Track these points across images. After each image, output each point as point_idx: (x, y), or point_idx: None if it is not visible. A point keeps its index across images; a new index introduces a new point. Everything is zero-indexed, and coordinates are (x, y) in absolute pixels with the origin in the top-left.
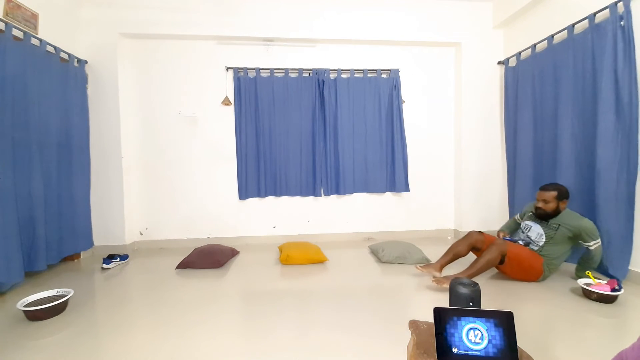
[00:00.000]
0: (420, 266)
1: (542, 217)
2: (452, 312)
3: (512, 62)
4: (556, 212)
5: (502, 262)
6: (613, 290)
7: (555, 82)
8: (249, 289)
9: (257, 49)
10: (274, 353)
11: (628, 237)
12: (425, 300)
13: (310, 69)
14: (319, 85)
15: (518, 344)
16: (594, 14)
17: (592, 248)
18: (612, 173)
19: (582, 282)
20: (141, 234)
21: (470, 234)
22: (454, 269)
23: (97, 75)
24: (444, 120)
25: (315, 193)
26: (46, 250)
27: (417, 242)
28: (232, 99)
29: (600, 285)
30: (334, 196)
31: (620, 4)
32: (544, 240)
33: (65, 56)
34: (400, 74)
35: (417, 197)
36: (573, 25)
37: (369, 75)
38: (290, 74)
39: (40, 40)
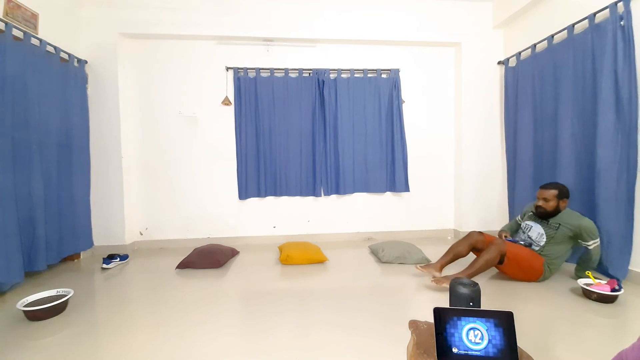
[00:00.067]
0: (420, 266)
1: (542, 216)
2: (452, 312)
3: (512, 62)
4: (556, 211)
5: (501, 262)
6: (613, 290)
7: (555, 82)
8: (249, 289)
9: (257, 49)
10: (274, 353)
11: (628, 237)
12: (425, 300)
13: (310, 69)
14: (319, 85)
15: (518, 344)
16: (594, 14)
17: (591, 248)
18: (612, 173)
19: (582, 282)
20: (141, 234)
21: (470, 234)
22: (453, 269)
23: (97, 75)
24: (444, 120)
25: (315, 193)
26: (46, 250)
27: (417, 242)
28: (232, 99)
29: (600, 285)
30: (334, 196)
31: (620, 4)
32: (544, 240)
33: (65, 56)
34: (400, 74)
35: (417, 197)
36: (573, 25)
37: (369, 75)
38: (290, 74)
39: (40, 40)
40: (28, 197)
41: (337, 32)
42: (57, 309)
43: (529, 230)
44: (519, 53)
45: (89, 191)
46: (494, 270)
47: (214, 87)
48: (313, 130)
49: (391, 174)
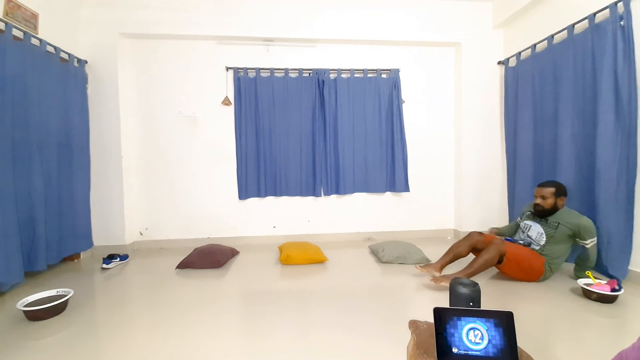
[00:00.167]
0: (419, 266)
1: (540, 214)
2: (452, 312)
3: (512, 62)
4: (554, 209)
5: (500, 262)
6: (613, 290)
7: (555, 82)
8: (249, 289)
9: (257, 49)
10: (274, 353)
11: (628, 237)
12: (425, 300)
13: (310, 69)
14: (319, 85)
15: (518, 344)
16: (594, 14)
17: (588, 247)
18: (612, 173)
19: (582, 282)
20: (141, 234)
21: (471, 234)
22: (452, 268)
23: (97, 75)
24: (444, 120)
25: (315, 193)
26: (46, 250)
27: (417, 242)
28: (232, 99)
29: (600, 285)
30: (334, 196)
31: (620, 4)
32: (544, 239)
33: (65, 56)
34: (400, 74)
35: (417, 197)
36: (573, 25)
37: (369, 75)
38: (290, 74)
39: (40, 40)
40: (28, 197)
41: (337, 32)
42: (57, 309)
43: (529, 229)
44: (519, 53)
45: (89, 191)
46: (494, 270)
47: (214, 87)
48: (313, 130)
49: (391, 174)
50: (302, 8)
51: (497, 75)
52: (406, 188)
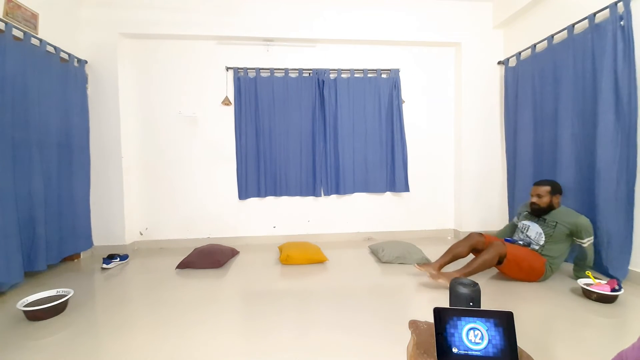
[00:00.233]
0: (418, 264)
1: (536, 212)
2: (452, 312)
3: (512, 62)
4: (550, 207)
5: (500, 263)
6: (613, 290)
7: (555, 82)
8: (249, 289)
9: (257, 49)
10: (274, 353)
11: (628, 237)
12: (425, 300)
13: (310, 69)
14: (319, 85)
15: (518, 344)
16: (594, 14)
17: (585, 245)
18: (612, 173)
19: (582, 282)
20: (141, 234)
21: (471, 235)
22: (451, 268)
23: (97, 75)
24: (444, 120)
25: (315, 193)
26: (46, 250)
27: (417, 242)
28: (232, 99)
29: (600, 285)
30: (334, 196)
31: (620, 4)
32: (543, 239)
33: (65, 56)
34: (400, 74)
35: (417, 197)
36: (573, 25)
37: (369, 75)
38: (290, 74)
39: (40, 40)
40: (28, 197)
41: (337, 32)
42: (57, 309)
43: (527, 230)
44: (519, 53)
45: (89, 191)
46: (494, 270)
47: (214, 87)
48: (313, 130)
49: (391, 174)
50: (302, 8)
51: (497, 75)
52: (406, 188)
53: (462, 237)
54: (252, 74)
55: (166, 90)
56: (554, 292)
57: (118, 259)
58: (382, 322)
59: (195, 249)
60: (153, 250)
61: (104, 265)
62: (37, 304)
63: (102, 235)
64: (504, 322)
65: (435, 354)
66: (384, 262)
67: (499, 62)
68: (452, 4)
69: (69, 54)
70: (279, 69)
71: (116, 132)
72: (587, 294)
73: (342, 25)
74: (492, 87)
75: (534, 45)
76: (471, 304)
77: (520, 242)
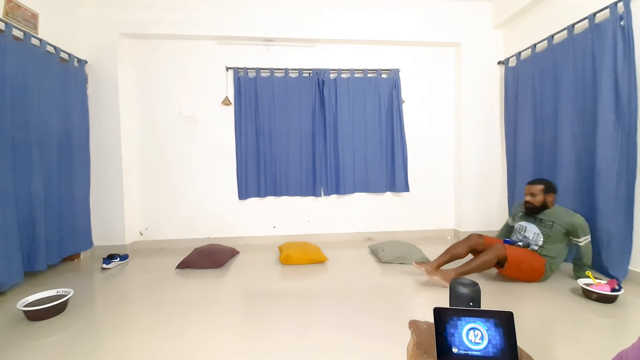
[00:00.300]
0: (417, 262)
1: (530, 211)
2: (452, 312)
3: (512, 62)
4: (544, 206)
5: (502, 265)
6: (613, 290)
7: (555, 82)
8: (249, 289)
9: (257, 49)
10: (274, 353)
11: (628, 237)
12: (425, 300)
13: (310, 69)
14: (319, 85)
15: (518, 344)
16: (594, 14)
17: (582, 244)
18: (612, 173)
19: (582, 282)
20: (141, 234)
21: (470, 236)
22: (448, 265)
23: (97, 75)
24: (444, 120)
25: (315, 193)
26: (46, 250)
27: (417, 242)
28: (232, 99)
29: (600, 285)
30: (334, 196)
31: (620, 4)
32: (542, 239)
33: (65, 56)
34: (400, 74)
35: (417, 197)
36: (573, 25)
37: (369, 75)
38: (290, 74)
39: (40, 40)
40: (28, 197)
41: (337, 32)
42: (57, 309)
43: (524, 231)
44: (519, 53)
45: (89, 191)
46: (493, 271)
47: (214, 87)
48: (313, 130)
49: (391, 174)
50: (302, 8)
51: (497, 75)
52: (406, 188)
53: (462, 237)
54: (252, 74)
55: (166, 90)
56: (554, 292)
57: (118, 259)
58: (382, 322)
59: (195, 249)
60: (153, 250)
61: (104, 265)
62: (37, 304)
63: (102, 235)
64: (504, 322)
65: (435, 354)
66: (384, 262)
67: (499, 62)
68: (452, 4)
69: (69, 54)
70: (279, 69)
71: (116, 132)
72: (587, 294)
73: (342, 25)
74: (492, 87)
75: (534, 45)
76: (471, 304)
77: (520, 244)
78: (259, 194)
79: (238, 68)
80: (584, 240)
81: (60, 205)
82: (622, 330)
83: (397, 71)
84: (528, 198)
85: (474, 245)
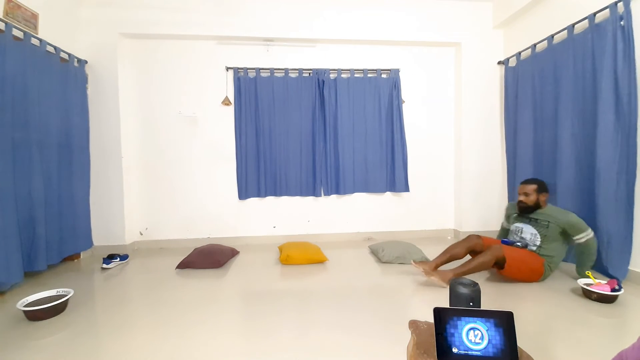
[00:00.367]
0: (415, 261)
1: (524, 210)
2: (452, 312)
3: (512, 62)
4: (537, 206)
5: (501, 267)
6: (613, 290)
7: (555, 82)
8: (249, 289)
9: (257, 49)
10: (274, 353)
11: (628, 237)
12: (425, 300)
13: (310, 69)
14: (319, 85)
15: (518, 344)
16: (594, 14)
17: (582, 241)
18: (612, 173)
19: (582, 282)
20: (141, 234)
21: (469, 237)
22: (447, 266)
23: (97, 75)
24: (444, 120)
25: (315, 193)
26: (46, 250)
27: (417, 242)
28: (232, 99)
29: (600, 285)
30: (334, 196)
31: (620, 4)
32: (539, 239)
33: (65, 56)
34: (400, 74)
35: (417, 197)
36: (573, 25)
37: (369, 75)
38: (290, 74)
39: (40, 40)
40: (28, 197)
41: (337, 32)
42: (57, 309)
43: (521, 232)
44: (519, 53)
45: (89, 191)
46: (493, 271)
47: (214, 87)
48: (313, 130)
49: (391, 174)
50: (302, 8)
51: (497, 75)
52: (406, 188)
53: (462, 237)
54: (252, 74)
55: (166, 90)
56: (554, 292)
57: (118, 259)
58: (382, 322)
59: (195, 249)
60: (153, 250)
61: (104, 265)
62: (37, 304)
63: (102, 235)
64: (504, 322)
65: (435, 354)
66: (384, 262)
67: (499, 62)
68: (452, 4)
69: (69, 54)
70: (279, 69)
71: (116, 132)
72: (587, 294)
73: (342, 25)
74: (492, 87)
75: (534, 45)
76: (471, 304)
77: (519, 244)
78: (259, 194)
79: (238, 68)
80: (585, 237)
81: (60, 205)
82: (622, 330)
83: (397, 71)
84: (522, 198)
85: (473, 246)
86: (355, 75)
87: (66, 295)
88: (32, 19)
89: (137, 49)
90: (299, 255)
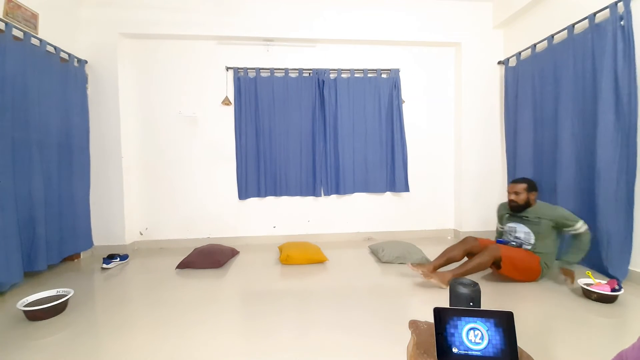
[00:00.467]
0: (412, 264)
1: (515, 209)
2: (452, 312)
3: (512, 62)
4: (527, 204)
5: (499, 267)
6: (613, 290)
7: (555, 82)
8: (249, 289)
9: (257, 49)
10: (274, 353)
11: (628, 237)
12: (425, 300)
13: (310, 69)
14: (319, 85)
15: (518, 344)
16: (594, 14)
17: (581, 231)
18: (612, 173)
19: (582, 282)
20: (141, 234)
21: (466, 239)
22: (445, 268)
23: (97, 75)
24: (444, 120)
25: (315, 193)
26: (46, 250)
27: (417, 242)
28: (232, 99)
29: (600, 285)
30: (334, 196)
31: (620, 4)
32: (533, 237)
33: (65, 56)
34: (400, 74)
35: (417, 197)
36: (573, 25)
37: (369, 75)
38: (290, 74)
39: (40, 40)
40: (28, 197)
41: (337, 32)
42: (57, 309)
43: (515, 232)
44: (519, 53)
45: (89, 191)
46: (493, 271)
47: (214, 87)
48: (313, 130)
49: (391, 174)
50: (302, 8)
51: (497, 75)
52: (406, 188)
53: (462, 236)
54: (252, 74)
55: (166, 90)
56: (554, 292)
57: (118, 259)
58: (382, 322)
59: (195, 249)
60: (153, 250)
61: (104, 265)
62: (37, 304)
63: (102, 235)
64: (504, 322)
65: (435, 354)
66: (384, 262)
67: (499, 62)
68: (452, 4)
69: (69, 54)
70: (279, 69)
71: (116, 132)
72: (587, 294)
73: (342, 25)
74: (492, 87)
75: (534, 45)
76: (471, 304)
77: (513, 243)
78: (259, 194)
79: (238, 68)
80: (581, 227)
81: (60, 205)
82: (622, 330)
83: (397, 71)
84: (512, 197)
85: (470, 249)
86: (355, 75)
87: (66, 295)
88: (32, 19)
89: (137, 49)
90: (299, 255)
